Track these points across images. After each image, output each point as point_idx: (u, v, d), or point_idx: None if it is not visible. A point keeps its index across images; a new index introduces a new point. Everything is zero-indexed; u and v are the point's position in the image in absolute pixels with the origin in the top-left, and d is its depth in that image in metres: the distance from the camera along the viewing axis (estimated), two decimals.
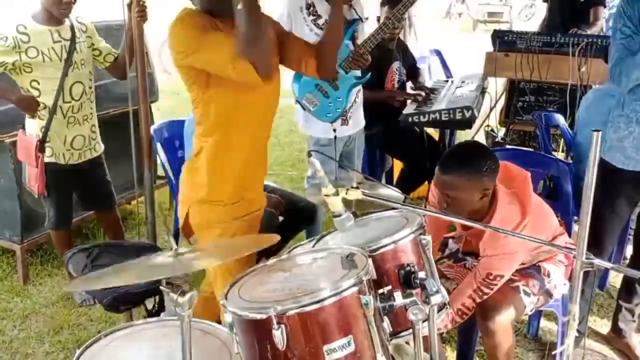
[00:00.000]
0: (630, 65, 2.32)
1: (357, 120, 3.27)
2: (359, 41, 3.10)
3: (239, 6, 1.80)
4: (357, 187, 1.69)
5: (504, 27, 15.24)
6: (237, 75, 1.81)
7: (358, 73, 3.08)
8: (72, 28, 2.89)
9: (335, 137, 3.07)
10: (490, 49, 4.11)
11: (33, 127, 2.93)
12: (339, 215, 1.62)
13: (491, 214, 2.11)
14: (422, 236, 1.71)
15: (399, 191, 2.07)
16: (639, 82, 2.35)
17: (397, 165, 4.22)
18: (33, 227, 3.35)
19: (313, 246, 1.84)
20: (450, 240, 2.54)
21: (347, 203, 1.65)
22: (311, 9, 2.97)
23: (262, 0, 1.84)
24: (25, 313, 3.11)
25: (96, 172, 3.17)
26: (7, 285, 3.35)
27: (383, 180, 4.21)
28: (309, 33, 2.94)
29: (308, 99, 2.98)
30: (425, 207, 2.51)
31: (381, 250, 1.64)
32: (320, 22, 2.97)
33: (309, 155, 1.63)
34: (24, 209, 3.29)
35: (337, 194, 1.62)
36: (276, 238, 1.66)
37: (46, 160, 2.92)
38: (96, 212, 3.44)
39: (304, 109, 3.02)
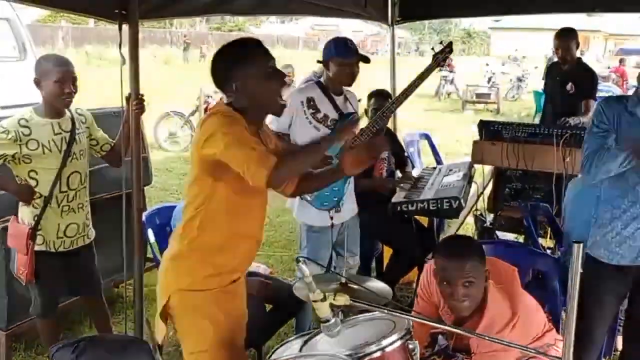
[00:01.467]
0: (603, 158, 2.41)
1: (351, 207, 3.33)
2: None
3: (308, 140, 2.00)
4: (345, 285, 1.71)
5: (491, 107, 15.74)
6: (251, 177, 1.85)
7: None
8: (72, 119, 2.97)
9: (332, 224, 3.14)
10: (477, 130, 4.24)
11: (26, 214, 2.95)
12: (327, 321, 1.64)
13: (482, 310, 2.12)
14: (410, 341, 1.71)
15: (387, 290, 2.08)
16: (609, 175, 2.44)
17: (387, 250, 4.24)
18: (19, 314, 3.29)
19: (300, 349, 1.83)
20: (440, 336, 2.52)
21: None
22: (311, 103, 3.11)
23: None
24: None
25: (85, 259, 3.16)
26: None
27: (373, 265, 4.22)
28: (309, 126, 3.08)
29: None
30: (415, 299, 2.54)
31: (368, 358, 1.64)
32: (319, 115, 3.11)
33: (298, 261, 1.66)
34: (10, 295, 3.25)
35: (324, 299, 1.64)
36: None
37: (37, 248, 2.92)
38: (82, 298, 3.41)
39: (301, 198, 3.08)
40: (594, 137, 2.49)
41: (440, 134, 5.64)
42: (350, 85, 3.25)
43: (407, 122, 4.25)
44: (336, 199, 3.17)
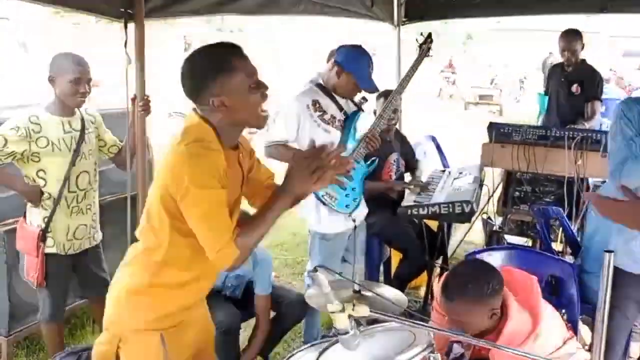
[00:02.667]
0: (632, 169, 2.33)
1: (363, 210, 3.29)
2: (360, 132, 3.19)
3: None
4: (363, 300, 1.64)
5: (494, 109, 15.68)
6: (217, 258, 1.70)
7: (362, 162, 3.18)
8: (82, 119, 2.92)
9: (356, 227, 3.12)
10: (482, 131, 4.18)
11: (35, 216, 2.88)
12: (345, 333, 1.57)
13: (502, 324, 2.06)
14: (432, 354, 1.64)
15: (403, 298, 2.01)
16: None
17: (395, 255, 4.17)
18: (21, 319, 3.24)
19: None
20: (455, 345, 2.46)
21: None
22: (317, 105, 3.04)
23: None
24: None
25: (92, 262, 3.11)
26: None
27: (381, 270, 4.15)
28: (318, 129, 3.01)
29: (329, 195, 3.01)
30: (432, 310, 2.47)
31: None
32: (327, 117, 3.05)
33: (315, 270, 1.59)
34: (12, 300, 3.19)
35: (343, 310, 1.57)
36: None
37: (47, 250, 2.86)
38: (88, 299, 3.35)
39: (324, 204, 3.03)
40: (620, 144, 2.39)
41: (442, 136, 5.56)
42: (351, 98, 3.23)
43: (409, 124, 4.18)
44: (357, 199, 3.13)
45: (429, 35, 3.46)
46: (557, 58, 5.96)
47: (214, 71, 1.74)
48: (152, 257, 1.84)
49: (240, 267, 1.79)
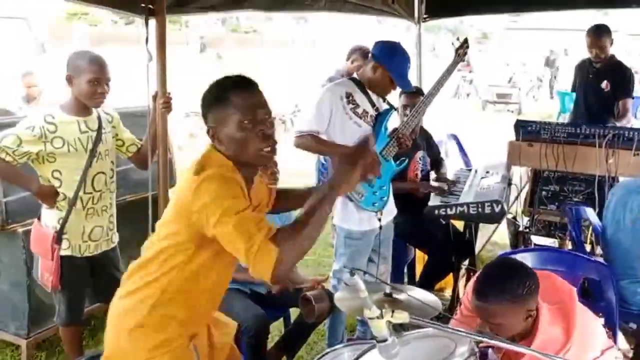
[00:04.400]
0: None
1: (391, 209, 3.22)
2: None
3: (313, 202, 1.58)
4: (397, 304, 1.55)
5: (512, 107, 15.48)
6: (254, 264, 1.53)
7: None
8: (99, 119, 2.85)
9: (381, 226, 3.03)
10: (502, 129, 4.07)
11: (50, 218, 2.82)
12: (384, 341, 1.48)
13: (533, 333, 1.95)
14: None
15: (437, 303, 1.92)
16: None
17: (419, 256, 4.08)
18: (40, 321, 3.19)
19: None
20: (490, 350, 2.36)
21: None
22: (350, 98, 2.98)
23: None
24: None
25: (110, 264, 3.04)
26: None
27: (405, 272, 4.06)
28: (349, 122, 2.96)
29: (356, 191, 2.95)
30: (459, 307, 2.38)
31: None
32: (359, 111, 2.99)
33: (352, 274, 1.50)
34: (32, 302, 3.14)
35: (381, 316, 1.48)
36: None
37: (62, 253, 2.79)
38: (105, 303, 3.28)
39: (351, 200, 2.97)
40: None
41: (461, 136, 5.47)
42: (384, 97, 3.16)
43: (427, 124, 4.12)
44: (385, 197, 3.07)
45: (465, 40, 3.45)
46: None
47: (211, 101, 1.76)
48: (156, 286, 1.79)
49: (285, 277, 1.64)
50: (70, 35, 26.36)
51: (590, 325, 2.11)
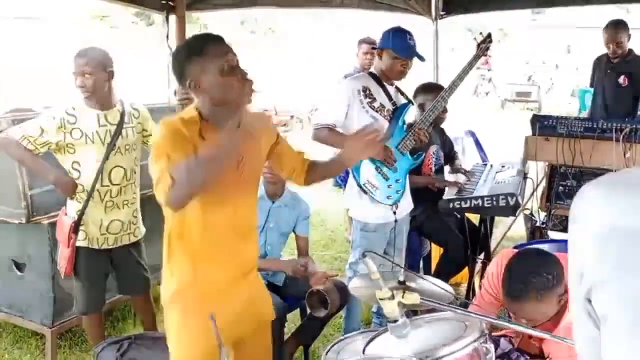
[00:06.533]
0: None
1: (407, 203, 3.25)
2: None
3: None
4: (410, 289, 1.59)
5: (532, 106, 15.36)
6: (157, 193, 1.76)
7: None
8: (122, 113, 2.91)
9: (396, 220, 3.07)
10: (521, 128, 4.07)
11: (71, 208, 2.91)
12: (395, 321, 1.52)
13: (560, 315, 1.97)
14: (484, 345, 1.58)
15: (449, 289, 1.96)
16: None
17: (435, 250, 4.10)
18: (64, 310, 3.27)
19: (363, 351, 1.72)
20: (503, 339, 2.38)
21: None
22: (367, 91, 3.03)
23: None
24: None
25: (132, 257, 3.11)
26: None
27: (421, 265, 4.09)
28: (366, 115, 3.00)
29: (370, 184, 2.99)
30: (479, 290, 2.40)
31: None
32: (376, 105, 3.04)
33: (364, 255, 1.55)
34: (57, 292, 3.22)
35: (392, 297, 1.53)
36: None
37: (79, 243, 2.88)
38: (127, 295, 3.36)
39: (365, 193, 3.01)
40: None
41: (479, 134, 5.47)
42: (399, 80, 3.18)
43: (445, 122, 4.13)
44: (400, 191, 3.10)
45: (489, 35, 3.47)
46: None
47: (189, 55, 1.88)
48: (169, 228, 2.01)
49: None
50: (91, 36, 26.68)
51: None
